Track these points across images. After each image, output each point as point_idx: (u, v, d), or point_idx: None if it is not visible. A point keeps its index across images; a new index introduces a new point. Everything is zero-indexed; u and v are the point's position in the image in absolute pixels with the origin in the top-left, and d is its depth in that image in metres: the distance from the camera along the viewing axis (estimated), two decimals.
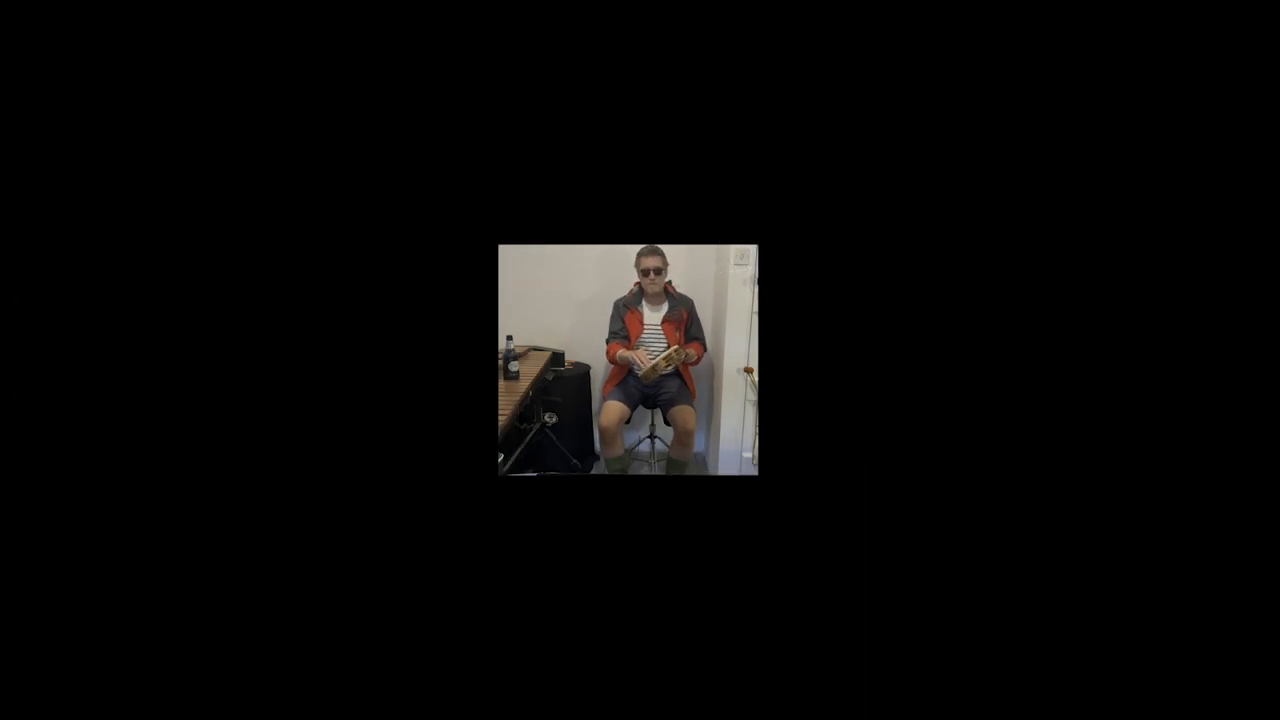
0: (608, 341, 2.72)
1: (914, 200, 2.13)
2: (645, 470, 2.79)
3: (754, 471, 2.11)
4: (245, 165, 2.05)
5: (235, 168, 2.05)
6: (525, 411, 2.45)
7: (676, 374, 2.68)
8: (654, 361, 2.63)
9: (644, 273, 2.60)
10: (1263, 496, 1.98)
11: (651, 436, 2.83)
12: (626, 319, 2.71)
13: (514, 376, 2.42)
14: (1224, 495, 1.99)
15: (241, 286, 2.05)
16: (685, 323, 2.72)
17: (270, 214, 2.08)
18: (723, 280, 2.69)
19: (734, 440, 2.65)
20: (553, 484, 2.10)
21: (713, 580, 2.04)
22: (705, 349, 2.74)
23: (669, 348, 2.65)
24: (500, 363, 2.23)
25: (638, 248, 2.60)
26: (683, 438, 2.63)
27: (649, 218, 2.09)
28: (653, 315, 2.72)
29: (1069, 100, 2.02)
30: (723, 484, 2.09)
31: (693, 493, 2.07)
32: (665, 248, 2.58)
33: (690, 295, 2.71)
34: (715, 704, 2.01)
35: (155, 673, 2.01)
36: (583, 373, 2.78)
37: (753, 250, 2.18)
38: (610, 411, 2.61)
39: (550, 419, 2.56)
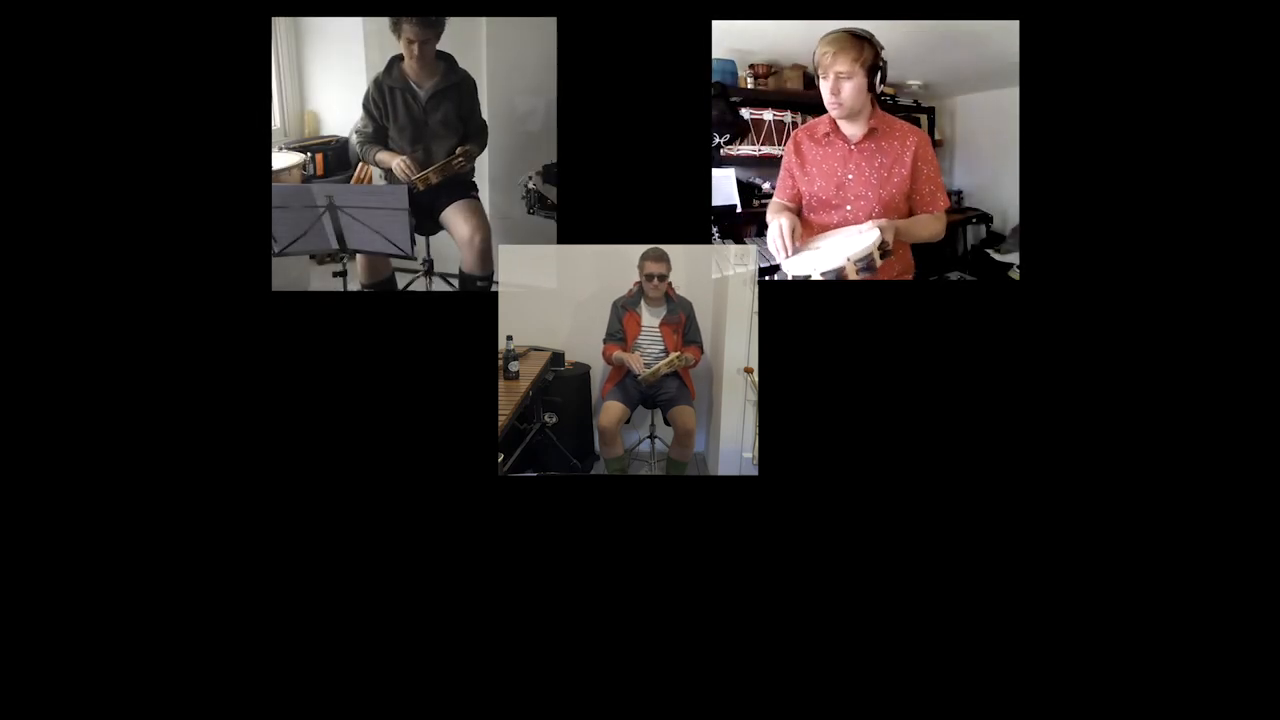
0: (605, 342, 2.73)
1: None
2: (645, 470, 2.79)
3: (754, 471, 2.11)
4: (241, 166, 2.05)
5: (232, 171, 2.05)
6: (525, 411, 2.45)
7: (676, 374, 2.69)
8: (655, 367, 2.64)
9: (648, 277, 2.61)
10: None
11: (651, 436, 2.83)
12: (625, 320, 2.72)
13: (514, 376, 2.42)
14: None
15: (239, 285, 2.05)
16: (683, 325, 2.73)
17: (265, 211, 2.08)
18: (723, 280, 2.70)
19: (734, 440, 2.65)
20: (553, 484, 2.10)
21: (713, 580, 2.04)
22: (703, 352, 2.75)
23: (667, 352, 2.66)
24: (500, 363, 2.23)
25: (638, 248, 2.61)
26: (682, 438, 2.64)
27: (649, 217, 2.09)
28: (651, 317, 2.73)
29: (1073, 102, 2.03)
30: (723, 484, 2.09)
31: (693, 493, 2.07)
32: (666, 248, 2.58)
33: (689, 296, 2.72)
34: (715, 704, 2.01)
35: (152, 672, 2.00)
36: (583, 373, 2.78)
37: (753, 250, 2.19)
38: (610, 412, 2.61)
39: (550, 419, 2.56)
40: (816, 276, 1.99)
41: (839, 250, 1.99)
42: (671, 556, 2.04)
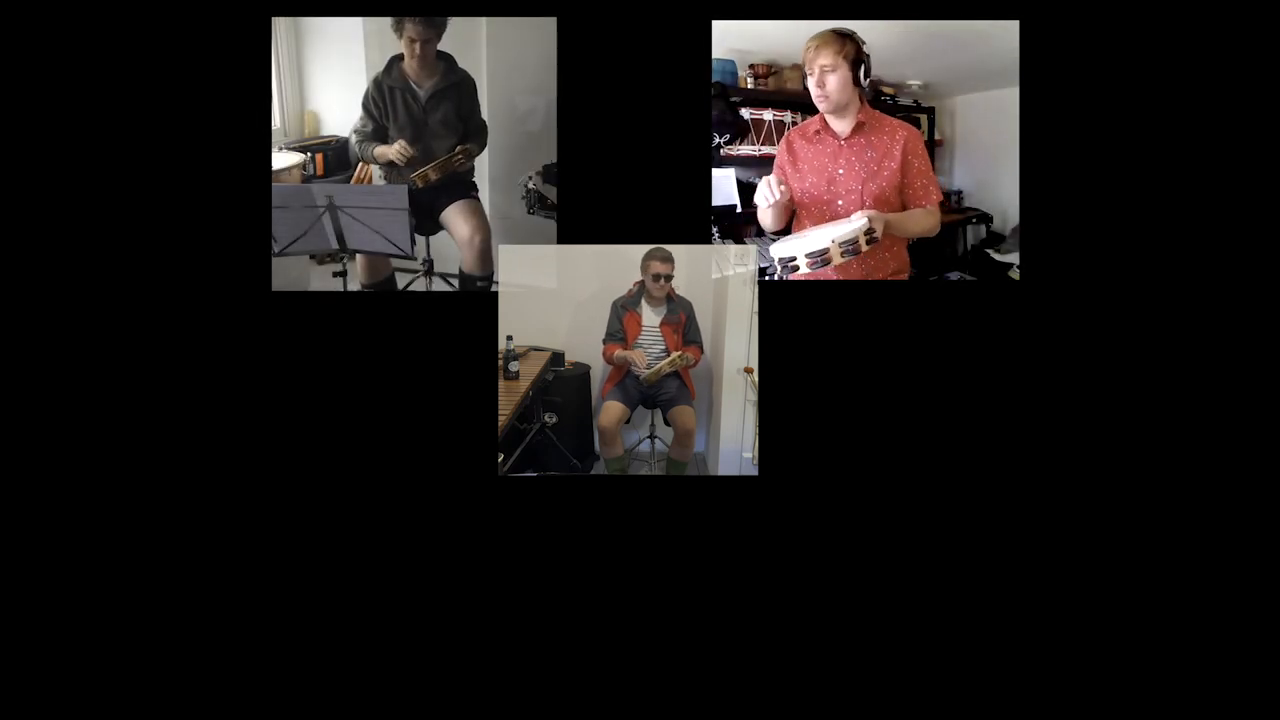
0: (604, 342, 2.73)
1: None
2: (645, 470, 2.80)
3: (754, 471, 2.11)
4: (241, 166, 2.05)
5: (232, 171, 2.05)
6: (525, 411, 2.46)
7: (676, 374, 2.69)
8: (657, 367, 2.65)
9: (654, 277, 2.62)
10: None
11: (651, 436, 2.84)
12: (625, 320, 2.72)
13: (514, 376, 2.42)
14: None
15: (239, 285, 2.05)
16: (683, 325, 2.73)
17: (265, 211, 2.08)
18: (723, 280, 2.70)
19: (734, 440, 2.65)
20: (553, 484, 2.10)
21: (713, 580, 2.04)
22: (703, 352, 2.75)
23: (668, 352, 2.67)
24: (500, 363, 2.23)
25: (639, 248, 2.61)
26: (682, 438, 2.64)
27: (649, 217, 2.09)
28: (651, 317, 2.73)
29: (1073, 102, 2.03)
30: (723, 484, 2.09)
31: (693, 493, 2.07)
32: (667, 247, 2.59)
33: (690, 296, 2.72)
34: (715, 704, 2.01)
35: (153, 672, 2.00)
36: (583, 373, 2.78)
37: (753, 250, 2.19)
38: (610, 412, 2.62)
39: (550, 419, 2.56)
40: (801, 258, 2.03)
41: (825, 235, 2.04)
42: (671, 556, 2.04)
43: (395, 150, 2.39)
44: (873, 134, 2.14)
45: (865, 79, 2.09)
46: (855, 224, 2.02)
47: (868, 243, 2.00)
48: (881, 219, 2.04)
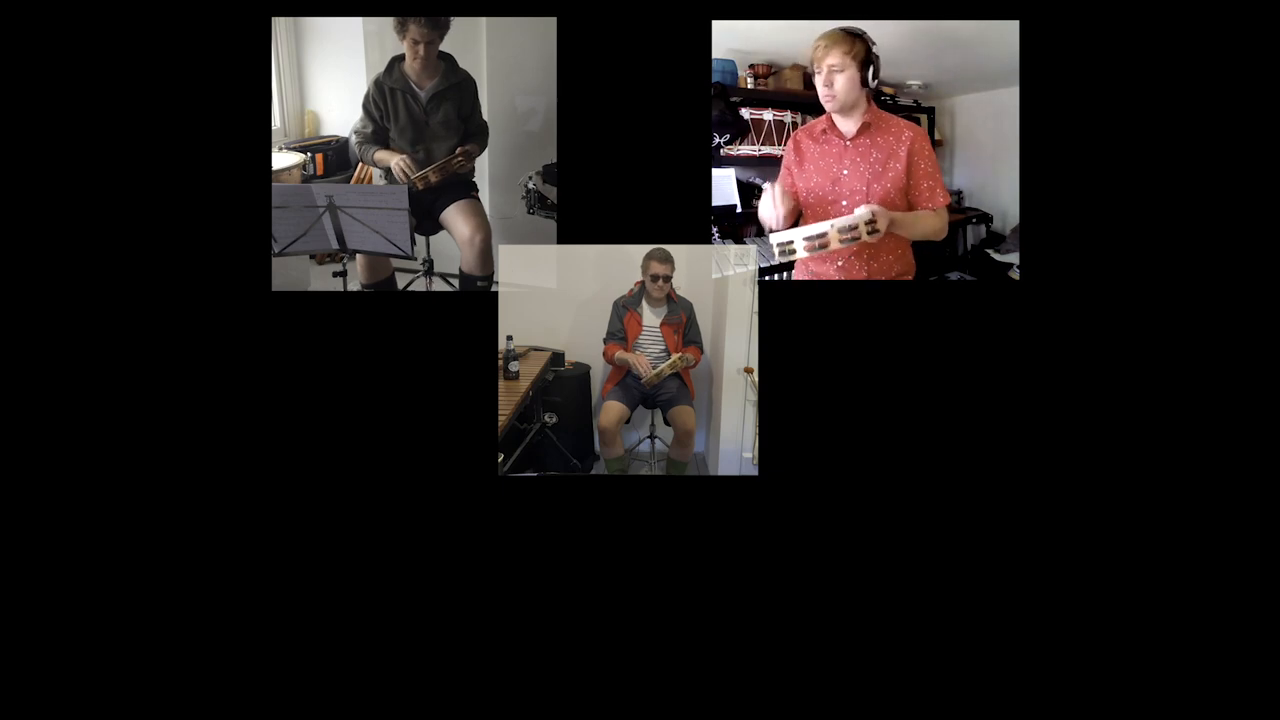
0: (605, 342, 2.74)
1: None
2: (645, 470, 2.80)
3: (754, 471, 2.11)
4: (241, 166, 2.05)
5: (232, 171, 2.05)
6: (525, 411, 2.46)
7: (676, 374, 2.69)
8: (658, 369, 2.65)
9: (653, 278, 2.62)
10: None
11: (651, 437, 2.84)
12: (625, 320, 2.72)
13: (514, 376, 2.42)
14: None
15: (239, 285, 2.05)
16: (684, 326, 2.73)
17: (265, 211, 2.08)
18: (723, 280, 2.70)
19: (734, 440, 2.65)
20: (553, 484, 2.10)
21: (713, 580, 2.04)
22: (703, 352, 2.75)
23: (668, 352, 2.68)
24: (500, 363, 2.24)
25: (639, 248, 2.61)
26: (682, 438, 2.64)
27: (649, 217, 2.09)
28: (652, 317, 2.74)
29: (1073, 102, 2.03)
30: (723, 484, 2.09)
31: (693, 493, 2.07)
32: (667, 248, 2.59)
33: (690, 296, 2.73)
34: (715, 704, 2.01)
35: (153, 672, 2.01)
36: (583, 373, 2.79)
37: (753, 250, 2.19)
38: (610, 412, 2.62)
39: (550, 419, 2.56)
40: (799, 240, 2.04)
41: (826, 222, 2.05)
42: (671, 556, 2.04)
43: (396, 166, 2.40)
44: (878, 135, 2.13)
45: (874, 80, 2.09)
46: (858, 214, 2.03)
47: (869, 233, 2.00)
48: (886, 214, 2.04)
